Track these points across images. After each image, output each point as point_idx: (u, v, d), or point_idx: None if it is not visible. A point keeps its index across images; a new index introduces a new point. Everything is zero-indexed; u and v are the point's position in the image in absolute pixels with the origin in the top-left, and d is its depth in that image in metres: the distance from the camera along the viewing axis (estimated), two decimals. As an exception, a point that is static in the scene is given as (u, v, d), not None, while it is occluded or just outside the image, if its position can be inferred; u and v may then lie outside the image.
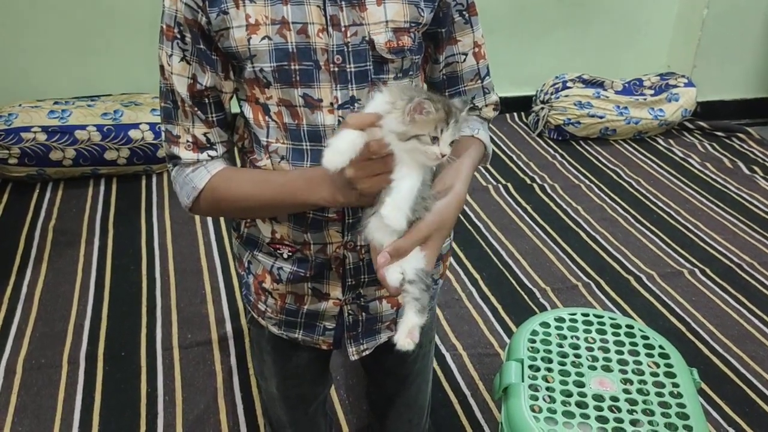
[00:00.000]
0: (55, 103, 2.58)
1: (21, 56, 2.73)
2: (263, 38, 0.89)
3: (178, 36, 0.91)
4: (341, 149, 0.79)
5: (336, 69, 0.91)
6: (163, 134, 1.01)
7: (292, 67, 0.90)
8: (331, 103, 0.92)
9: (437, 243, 0.90)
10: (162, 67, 0.95)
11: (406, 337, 0.85)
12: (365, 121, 0.80)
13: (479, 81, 1.09)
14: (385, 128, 0.79)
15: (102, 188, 2.54)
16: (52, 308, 1.91)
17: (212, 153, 0.99)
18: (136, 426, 1.55)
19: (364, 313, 1.09)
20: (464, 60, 1.06)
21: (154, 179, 2.61)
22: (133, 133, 2.51)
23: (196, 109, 0.96)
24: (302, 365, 1.20)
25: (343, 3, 0.90)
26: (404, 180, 0.81)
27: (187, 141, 0.98)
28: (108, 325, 1.85)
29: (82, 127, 2.47)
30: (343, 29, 0.90)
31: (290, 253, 1.04)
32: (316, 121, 0.93)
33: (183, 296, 1.97)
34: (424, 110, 0.77)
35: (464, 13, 1.03)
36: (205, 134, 0.98)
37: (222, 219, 2.32)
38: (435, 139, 0.78)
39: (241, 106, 0.99)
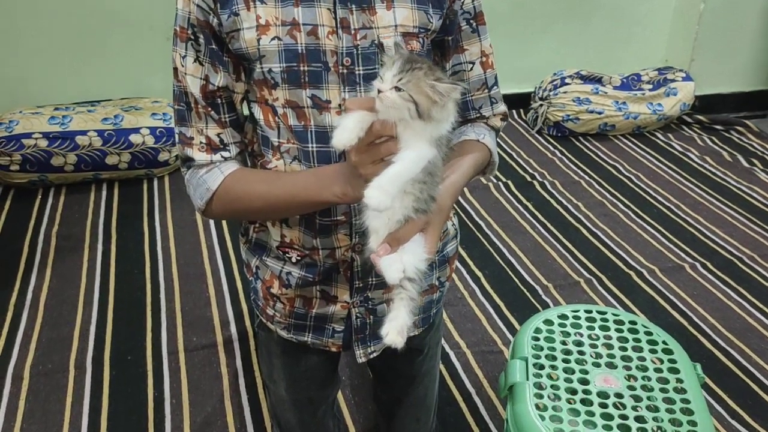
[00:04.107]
0: (56, 109, 2.59)
1: (20, 63, 2.73)
2: (273, 39, 0.90)
3: (192, 37, 0.93)
4: (349, 127, 0.79)
5: (345, 71, 0.92)
6: (176, 136, 1.01)
7: (301, 68, 0.91)
8: (339, 105, 0.93)
9: (437, 228, 0.91)
10: (175, 69, 0.96)
11: (398, 335, 0.85)
12: (363, 104, 0.79)
13: (486, 90, 1.09)
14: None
15: (104, 193, 2.54)
16: (57, 314, 1.91)
17: (225, 154, 1.00)
18: (144, 429, 1.56)
19: (371, 316, 1.10)
20: (471, 69, 1.07)
21: (156, 183, 2.62)
22: (134, 138, 2.52)
23: (209, 109, 0.97)
24: (311, 368, 1.21)
25: (353, 6, 0.91)
26: (398, 162, 0.79)
27: (201, 142, 0.99)
28: (113, 329, 1.86)
29: (83, 133, 2.48)
30: (352, 32, 0.91)
31: (299, 257, 1.05)
32: (324, 123, 0.94)
33: (187, 299, 1.98)
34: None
35: (471, 21, 1.03)
36: (218, 135, 0.99)
37: (224, 221, 2.33)
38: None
39: (251, 109, 1.00)
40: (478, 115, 1.11)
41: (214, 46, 0.93)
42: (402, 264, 0.85)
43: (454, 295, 2.04)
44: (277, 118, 0.95)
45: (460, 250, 2.24)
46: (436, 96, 0.77)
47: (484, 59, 1.07)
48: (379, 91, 0.77)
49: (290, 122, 0.94)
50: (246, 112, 1.03)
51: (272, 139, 0.98)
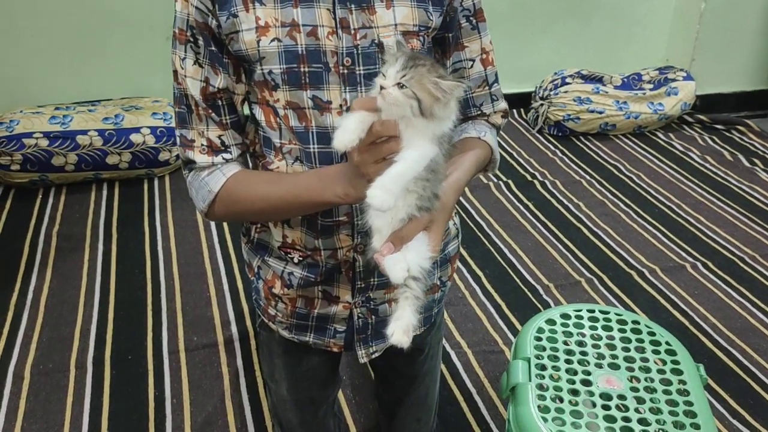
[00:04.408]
0: (56, 108, 2.59)
1: (20, 63, 2.72)
2: (273, 40, 0.89)
3: (191, 39, 0.92)
4: (350, 128, 0.79)
5: (345, 71, 0.92)
6: (177, 139, 1.01)
7: (302, 69, 0.91)
8: (340, 105, 0.93)
9: (441, 225, 0.91)
10: (175, 72, 0.96)
11: (403, 334, 0.84)
12: (369, 103, 0.79)
13: (487, 88, 1.09)
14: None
15: (104, 193, 2.54)
16: (58, 313, 1.91)
17: (227, 156, 1.00)
18: (144, 429, 1.56)
19: (373, 316, 1.10)
20: (471, 66, 1.06)
21: (156, 183, 2.62)
22: (135, 137, 2.52)
23: (210, 111, 0.97)
24: (312, 368, 1.21)
25: (352, 6, 0.90)
26: (400, 161, 0.78)
27: (202, 144, 0.99)
28: (114, 329, 1.85)
29: (84, 132, 2.48)
30: (352, 32, 0.91)
31: (301, 258, 1.05)
32: (325, 123, 0.93)
33: (188, 299, 1.97)
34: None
35: (471, 18, 1.03)
36: (219, 137, 0.99)
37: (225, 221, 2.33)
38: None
39: (252, 110, 1.00)
40: (479, 112, 1.11)
41: (213, 48, 0.93)
42: (406, 263, 0.85)
43: (454, 294, 2.04)
44: (278, 119, 0.95)
45: (461, 249, 2.24)
46: (439, 93, 0.77)
47: (484, 56, 1.07)
48: (382, 88, 0.77)
49: (291, 123, 0.94)
50: (247, 113, 1.03)
51: (274, 140, 0.97)
